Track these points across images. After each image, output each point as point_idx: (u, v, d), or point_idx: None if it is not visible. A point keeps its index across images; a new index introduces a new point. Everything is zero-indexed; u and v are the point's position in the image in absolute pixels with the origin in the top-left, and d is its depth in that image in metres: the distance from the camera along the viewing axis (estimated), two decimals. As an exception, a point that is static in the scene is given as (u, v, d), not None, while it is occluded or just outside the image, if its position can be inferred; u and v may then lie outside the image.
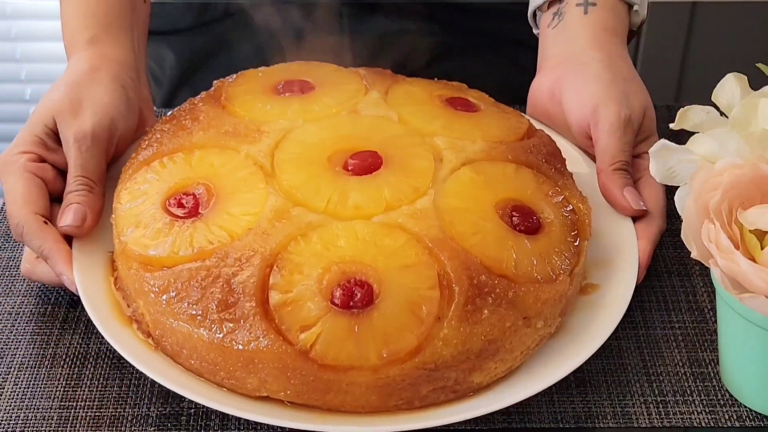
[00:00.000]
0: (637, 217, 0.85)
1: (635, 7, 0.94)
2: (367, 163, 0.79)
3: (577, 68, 0.89)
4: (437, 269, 0.72)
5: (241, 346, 0.68)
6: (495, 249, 0.74)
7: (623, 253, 0.82)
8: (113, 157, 0.86)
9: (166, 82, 1.20)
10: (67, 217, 0.79)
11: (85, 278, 0.77)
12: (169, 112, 0.87)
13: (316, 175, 0.78)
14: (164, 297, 0.72)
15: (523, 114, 0.91)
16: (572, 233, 0.78)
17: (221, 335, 0.69)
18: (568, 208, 0.80)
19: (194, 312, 0.70)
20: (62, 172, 0.83)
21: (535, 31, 0.98)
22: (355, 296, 0.69)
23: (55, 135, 0.84)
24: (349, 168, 0.79)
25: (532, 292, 0.73)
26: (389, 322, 0.69)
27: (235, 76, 0.91)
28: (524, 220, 0.77)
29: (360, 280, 0.70)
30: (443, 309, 0.70)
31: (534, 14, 0.99)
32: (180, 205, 0.76)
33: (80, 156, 0.82)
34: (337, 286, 0.70)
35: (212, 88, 0.89)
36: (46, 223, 0.79)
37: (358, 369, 0.68)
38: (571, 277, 0.75)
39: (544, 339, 0.75)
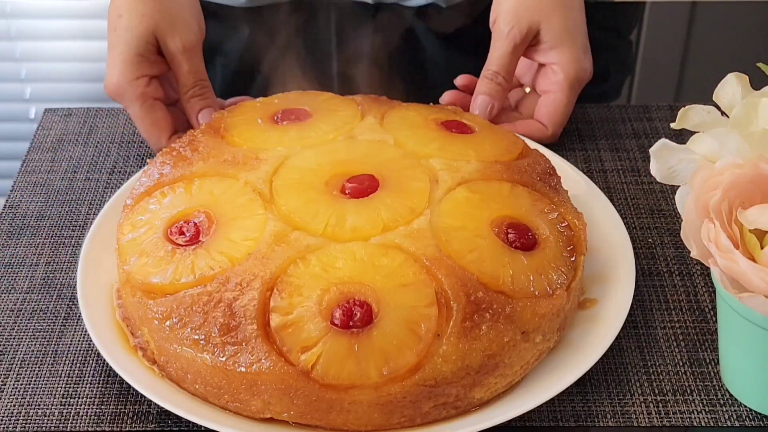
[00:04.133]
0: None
1: None
2: (364, 186, 0.80)
3: None
4: (435, 287, 0.72)
5: (243, 369, 0.69)
6: (491, 265, 0.74)
7: (620, 268, 0.82)
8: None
9: None
10: (205, 119, 0.94)
11: (91, 310, 0.78)
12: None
13: (313, 200, 0.79)
14: (167, 323, 0.73)
15: (517, 135, 0.91)
16: (568, 248, 0.79)
17: (224, 358, 0.70)
18: (564, 224, 0.80)
19: (197, 337, 0.71)
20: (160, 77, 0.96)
21: None
22: (354, 316, 0.70)
23: (155, 49, 0.94)
24: (347, 191, 0.80)
25: (530, 306, 0.73)
26: (389, 340, 0.70)
27: (234, 106, 0.92)
28: (520, 237, 0.77)
29: (359, 300, 0.71)
30: (442, 326, 0.71)
31: None
32: (181, 233, 0.78)
33: (193, 64, 0.95)
34: (337, 306, 0.71)
35: (211, 119, 0.91)
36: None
37: (360, 387, 0.69)
38: (568, 292, 0.76)
39: (544, 354, 0.76)
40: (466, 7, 1.22)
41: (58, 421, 0.74)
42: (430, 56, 1.18)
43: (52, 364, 0.79)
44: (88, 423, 0.74)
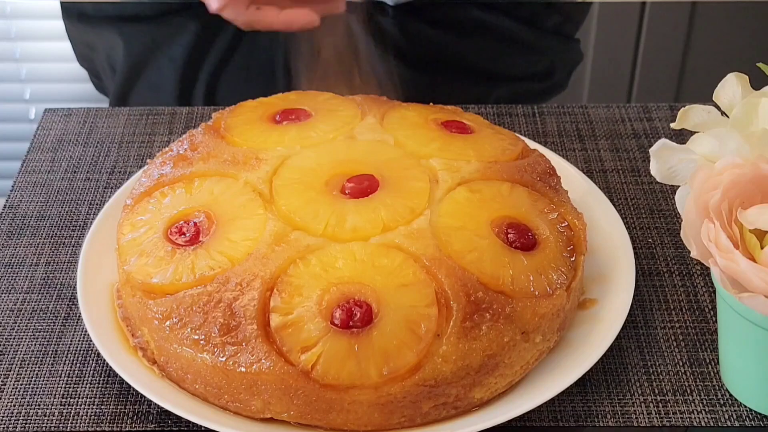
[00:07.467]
0: None
1: None
2: (363, 186, 0.80)
3: None
4: (435, 287, 0.72)
5: (243, 369, 0.69)
6: (491, 266, 0.74)
7: (620, 268, 0.82)
8: None
9: (120, 74, 1.18)
10: None
11: (91, 310, 0.78)
12: (169, 145, 0.89)
13: (313, 200, 0.79)
14: (167, 323, 0.73)
15: (518, 135, 0.91)
16: (568, 248, 0.79)
17: (224, 359, 0.70)
18: (564, 225, 0.80)
19: (197, 337, 0.71)
20: None
21: None
22: (354, 316, 0.70)
23: None
24: (347, 191, 0.80)
25: (530, 306, 0.73)
26: (389, 340, 0.70)
27: (233, 107, 0.92)
28: (520, 237, 0.77)
29: (359, 300, 0.71)
30: (442, 326, 0.71)
31: None
32: (181, 233, 0.77)
33: None
34: (337, 306, 0.71)
35: (211, 120, 0.91)
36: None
37: (360, 387, 0.69)
38: (568, 292, 0.76)
39: (544, 354, 0.76)
40: (466, 6, 1.22)
41: (58, 421, 0.74)
42: (430, 55, 1.18)
43: (52, 364, 0.79)
44: (88, 423, 0.74)
